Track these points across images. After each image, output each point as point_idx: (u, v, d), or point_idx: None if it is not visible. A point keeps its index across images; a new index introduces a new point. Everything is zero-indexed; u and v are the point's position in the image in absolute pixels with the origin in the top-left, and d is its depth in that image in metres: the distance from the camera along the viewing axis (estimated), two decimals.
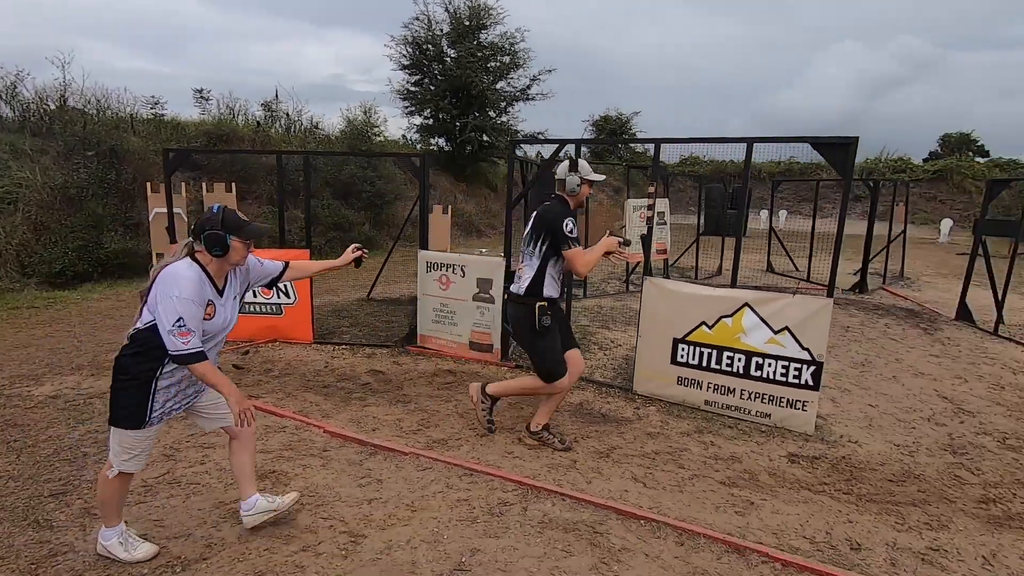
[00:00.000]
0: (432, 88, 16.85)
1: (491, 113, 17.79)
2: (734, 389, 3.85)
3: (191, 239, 2.18)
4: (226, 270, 2.25)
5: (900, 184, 11.63)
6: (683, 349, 4.00)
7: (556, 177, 3.25)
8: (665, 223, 8.41)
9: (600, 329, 6.18)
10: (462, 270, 4.95)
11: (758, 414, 3.80)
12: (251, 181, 11.48)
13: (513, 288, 3.26)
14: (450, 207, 9.54)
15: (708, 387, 3.95)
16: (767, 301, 3.72)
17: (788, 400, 3.69)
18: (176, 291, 2.00)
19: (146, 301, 2.09)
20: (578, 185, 3.16)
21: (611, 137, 31.39)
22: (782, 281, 9.83)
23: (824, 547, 2.52)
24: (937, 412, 4.11)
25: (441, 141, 18.25)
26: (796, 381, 3.65)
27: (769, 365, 3.72)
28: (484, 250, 11.34)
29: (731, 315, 3.82)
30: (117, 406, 2.11)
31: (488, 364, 4.87)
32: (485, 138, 17.74)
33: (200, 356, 2.03)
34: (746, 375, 3.80)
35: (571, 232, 3.04)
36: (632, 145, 32.30)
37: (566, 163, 3.20)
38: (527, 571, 2.27)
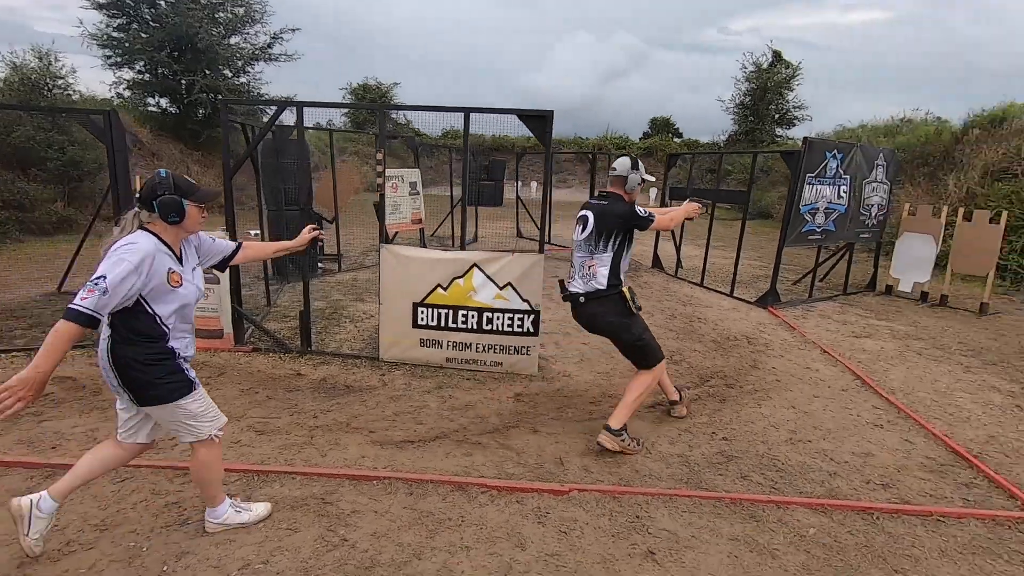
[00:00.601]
0: (144, 36, 14.04)
1: (226, 72, 15.69)
2: (470, 344, 4.16)
3: (138, 209, 2.01)
4: (181, 238, 2.11)
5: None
6: (423, 312, 4.15)
7: (615, 173, 3.13)
8: (418, 193, 8.54)
9: (354, 302, 6.05)
10: None
11: (491, 363, 4.18)
12: None
13: (584, 287, 3.11)
14: None
15: (448, 345, 4.19)
16: (492, 260, 4.06)
17: (515, 347, 4.13)
18: (121, 254, 1.86)
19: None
20: (638, 184, 3.11)
21: (339, 103, 30.39)
22: (528, 245, 10.90)
23: (534, 467, 2.91)
24: None
25: (164, 102, 15.49)
26: (520, 330, 4.10)
27: (498, 318, 4.10)
28: (222, 229, 10.06)
29: (462, 276, 4.08)
30: (161, 387, 1.98)
31: (219, 351, 4.38)
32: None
33: (82, 319, 1.76)
34: (479, 330, 4.12)
35: (645, 212, 3.03)
36: (394, 116, 32.04)
37: (627, 160, 3.10)
38: (243, 560, 2.14)
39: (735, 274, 7.02)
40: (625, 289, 3.10)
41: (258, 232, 6.17)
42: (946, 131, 12.91)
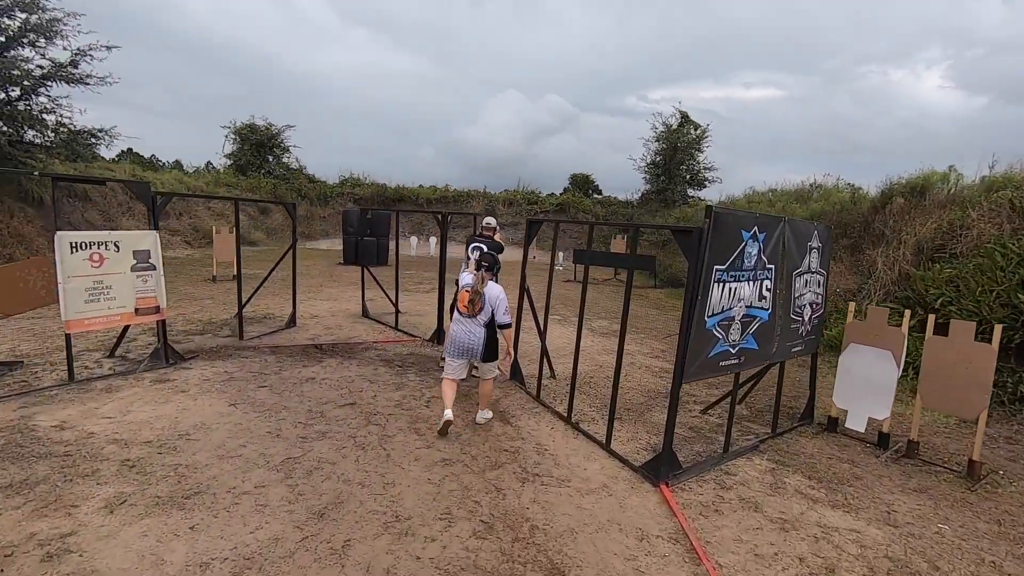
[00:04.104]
0: None
1: (11, 91, 12.17)
2: None
3: (483, 272, 4.49)
4: None
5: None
6: None
7: (491, 226, 6.30)
8: (153, 267, 5.53)
9: None
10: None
11: None
12: None
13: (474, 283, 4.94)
14: None
15: None
16: None
17: None
18: (505, 295, 4.53)
19: (482, 307, 4.43)
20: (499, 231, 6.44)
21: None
22: (369, 332, 8.04)
23: None
24: None
25: None
26: None
27: None
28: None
29: None
30: (494, 352, 4.58)
31: None
32: (2, 127, 12.05)
33: (510, 325, 4.70)
34: None
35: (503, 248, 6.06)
36: (285, 161, 28.84)
37: (493, 219, 6.41)
38: None
39: (613, 409, 4.45)
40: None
41: None
42: (863, 199, 11.59)
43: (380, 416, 4.73)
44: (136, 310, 5.43)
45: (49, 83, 12.51)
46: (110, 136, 13.68)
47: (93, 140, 13.72)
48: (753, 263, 3.99)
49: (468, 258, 6.09)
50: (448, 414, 4.37)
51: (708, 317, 3.72)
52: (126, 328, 5.83)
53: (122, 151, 36.61)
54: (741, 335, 4.06)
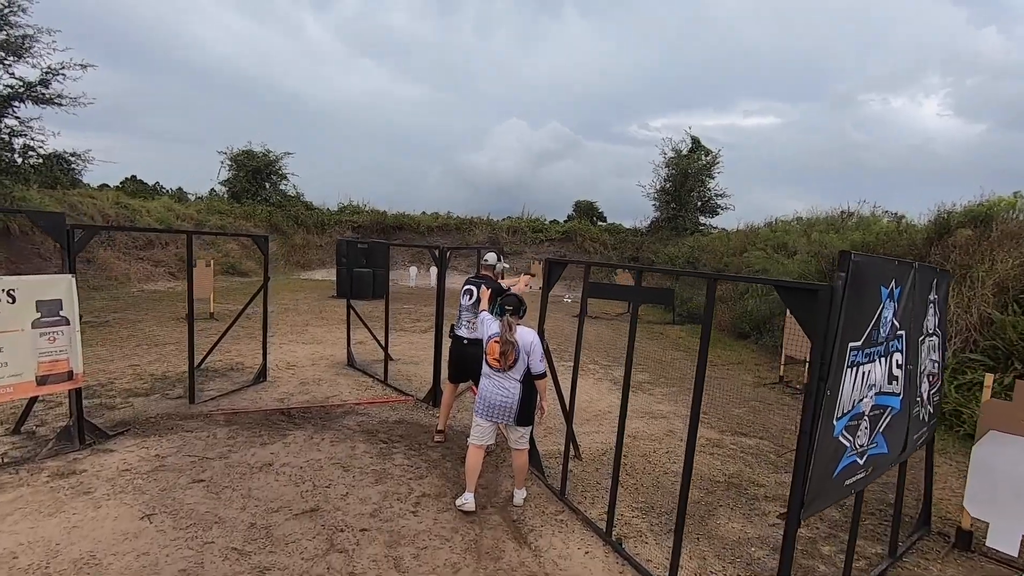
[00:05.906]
0: None
1: None
2: None
3: (509, 317, 3.73)
4: None
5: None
6: None
7: (487, 264, 5.00)
8: (67, 321, 4.28)
9: None
10: None
11: None
12: None
13: (469, 335, 4.75)
14: None
15: None
16: None
17: None
18: (539, 339, 3.84)
19: (516, 358, 3.70)
20: (503, 269, 5.15)
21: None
22: (353, 388, 6.75)
23: None
24: None
25: None
26: None
27: None
28: None
29: None
30: (531, 414, 3.88)
31: None
32: None
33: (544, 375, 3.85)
34: None
35: (506, 287, 4.76)
36: (283, 188, 27.96)
37: (494, 255, 5.05)
38: None
39: (679, 540, 3.12)
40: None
41: None
42: (912, 230, 10.39)
43: (348, 534, 3.41)
44: (38, 378, 4.16)
45: (16, 104, 11.49)
46: (84, 161, 12.64)
47: (66, 164, 12.68)
48: (887, 332, 2.74)
49: (462, 303, 4.98)
50: (469, 503, 3.73)
51: (836, 420, 2.44)
52: (33, 398, 4.56)
53: (125, 178, 35.81)
54: (870, 437, 2.77)
